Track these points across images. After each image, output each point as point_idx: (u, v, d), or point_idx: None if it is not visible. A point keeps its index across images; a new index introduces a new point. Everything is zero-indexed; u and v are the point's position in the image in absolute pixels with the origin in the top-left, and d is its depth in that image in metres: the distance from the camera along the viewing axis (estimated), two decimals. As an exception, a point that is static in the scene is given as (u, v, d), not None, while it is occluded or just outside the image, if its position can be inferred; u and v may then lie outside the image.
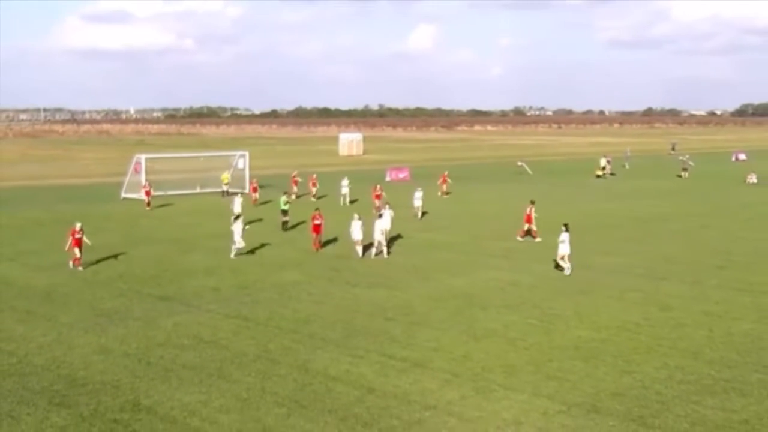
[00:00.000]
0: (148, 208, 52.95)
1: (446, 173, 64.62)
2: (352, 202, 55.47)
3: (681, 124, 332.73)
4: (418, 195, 49.23)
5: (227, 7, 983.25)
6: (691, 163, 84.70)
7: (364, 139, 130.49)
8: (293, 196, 58.07)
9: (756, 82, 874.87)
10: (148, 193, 55.14)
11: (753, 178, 74.21)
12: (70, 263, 33.17)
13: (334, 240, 37.47)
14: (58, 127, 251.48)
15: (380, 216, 37.78)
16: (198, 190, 62.18)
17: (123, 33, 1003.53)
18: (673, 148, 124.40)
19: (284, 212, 44.42)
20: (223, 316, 25.74)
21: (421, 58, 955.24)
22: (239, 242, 35.43)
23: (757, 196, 62.33)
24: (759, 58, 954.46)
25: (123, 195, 59.94)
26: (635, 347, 22.45)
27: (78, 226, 33.76)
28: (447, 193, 62.14)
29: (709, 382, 19.72)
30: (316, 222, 37.57)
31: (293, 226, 43.98)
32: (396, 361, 21.17)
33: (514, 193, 63.76)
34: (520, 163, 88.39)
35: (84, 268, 32.96)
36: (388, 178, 75.35)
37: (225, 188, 61.51)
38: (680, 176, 79.64)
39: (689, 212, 52.15)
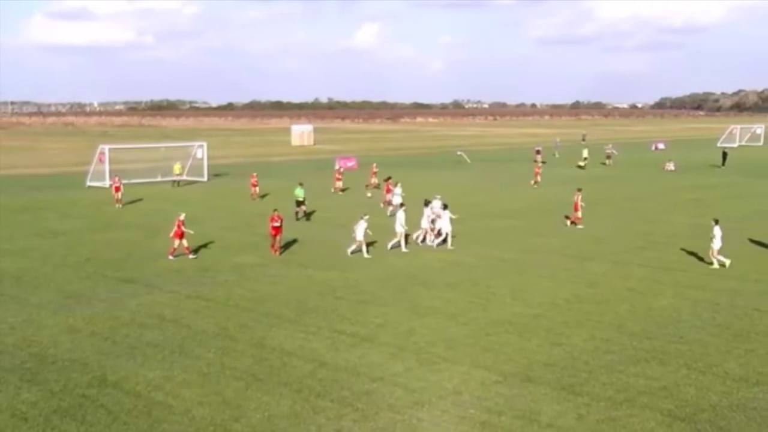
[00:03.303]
0: (118, 206, 47.36)
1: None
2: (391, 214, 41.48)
3: (606, 116, 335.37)
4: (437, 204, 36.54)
5: (185, 6, 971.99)
6: (615, 152, 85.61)
7: (315, 130, 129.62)
8: (372, 188, 56.26)
9: (673, 78, 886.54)
10: (117, 189, 48.36)
11: (671, 166, 75.34)
12: (170, 255, 31.46)
13: (294, 241, 34.91)
14: (25, 119, 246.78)
15: (433, 215, 34.75)
16: (159, 179, 61.41)
17: (86, 30, 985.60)
18: (583, 139, 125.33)
19: (299, 203, 42.13)
20: (184, 297, 25.55)
21: (366, 54, 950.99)
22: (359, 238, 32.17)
23: (674, 183, 63.33)
24: (675, 56, 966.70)
25: (88, 183, 59.12)
26: (565, 321, 22.75)
27: (182, 216, 32.13)
28: (536, 183, 59.99)
29: (631, 352, 20.07)
30: (275, 224, 32.39)
31: (309, 214, 43.03)
32: (346, 337, 21.22)
33: (454, 179, 64.07)
34: (459, 153, 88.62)
35: (174, 257, 31.39)
36: (337, 166, 75.12)
37: (176, 178, 60.63)
38: (604, 164, 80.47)
39: (614, 197, 52.82)
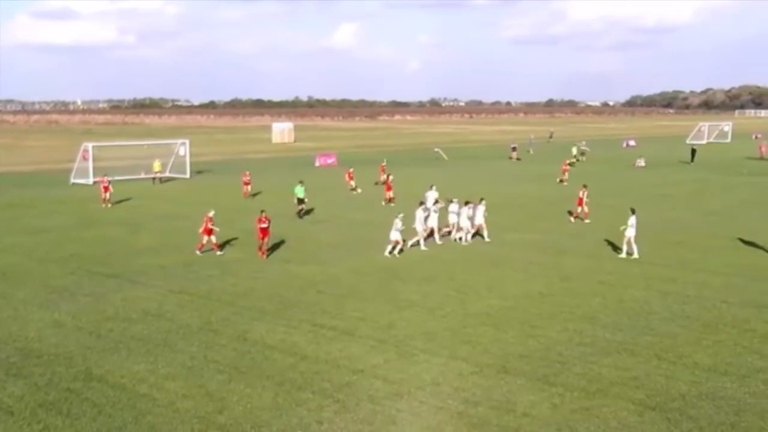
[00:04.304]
0: (104, 206, 45.49)
1: (568, 162, 62.08)
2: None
3: (578, 113, 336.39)
4: (455, 208, 35.20)
5: (167, 6, 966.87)
6: (587, 149, 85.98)
7: (295, 128, 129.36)
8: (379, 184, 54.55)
9: (644, 77, 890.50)
10: (106, 189, 46.15)
11: (641, 162, 75.76)
12: (198, 250, 31.39)
13: (282, 242, 33.81)
14: (9, 118, 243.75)
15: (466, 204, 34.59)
16: (143, 176, 61.05)
17: (70, 29, 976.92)
18: (550, 137, 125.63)
19: (300, 200, 41.47)
20: (168, 291, 25.46)
21: (345, 54, 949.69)
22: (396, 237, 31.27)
23: (644, 179, 63.69)
24: (646, 55, 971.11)
25: (72, 180, 58.77)
26: (539, 314, 22.88)
27: (211, 213, 31.78)
28: (564, 181, 58.93)
29: (603, 344, 20.21)
30: (262, 225, 30.84)
31: (308, 212, 42.47)
32: (326, 330, 21.23)
33: (431, 176, 64.01)
34: (436, 150, 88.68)
35: (202, 253, 31.24)
36: (317, 164, 75.12)
37: (156, 175, 60.26)
38: (578, 160, 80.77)
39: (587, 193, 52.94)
